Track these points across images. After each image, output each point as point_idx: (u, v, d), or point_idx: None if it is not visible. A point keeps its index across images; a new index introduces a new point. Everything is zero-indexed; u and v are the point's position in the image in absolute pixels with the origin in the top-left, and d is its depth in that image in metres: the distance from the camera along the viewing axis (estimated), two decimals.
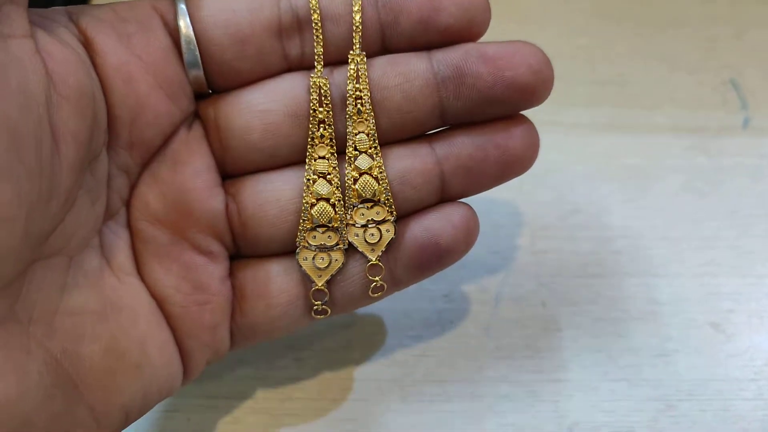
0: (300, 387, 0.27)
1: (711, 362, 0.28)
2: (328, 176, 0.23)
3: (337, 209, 0.23)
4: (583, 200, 0.32)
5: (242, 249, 0.24)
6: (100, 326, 0.21)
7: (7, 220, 0.17)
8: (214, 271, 0.23)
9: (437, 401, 0.27)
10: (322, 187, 0.23)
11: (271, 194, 0.23)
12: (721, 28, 0.38)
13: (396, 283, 0.24)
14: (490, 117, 0.23)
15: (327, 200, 0.23)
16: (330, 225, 0.24)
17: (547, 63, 0.23)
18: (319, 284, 0.24)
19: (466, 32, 0.23)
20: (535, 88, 0.23)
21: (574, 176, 0.33)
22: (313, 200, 0.23)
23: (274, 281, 0.24)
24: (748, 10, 0.39)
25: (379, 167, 0.23)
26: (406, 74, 0.23)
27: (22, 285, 0.19)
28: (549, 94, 0.23)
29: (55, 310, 0.20)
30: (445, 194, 0.24)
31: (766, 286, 0.30)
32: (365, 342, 0.29)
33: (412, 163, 0.24)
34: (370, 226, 0.24)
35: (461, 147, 0.23)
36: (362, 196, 0.23)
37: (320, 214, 0.23)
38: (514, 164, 0.23)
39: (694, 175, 0.33)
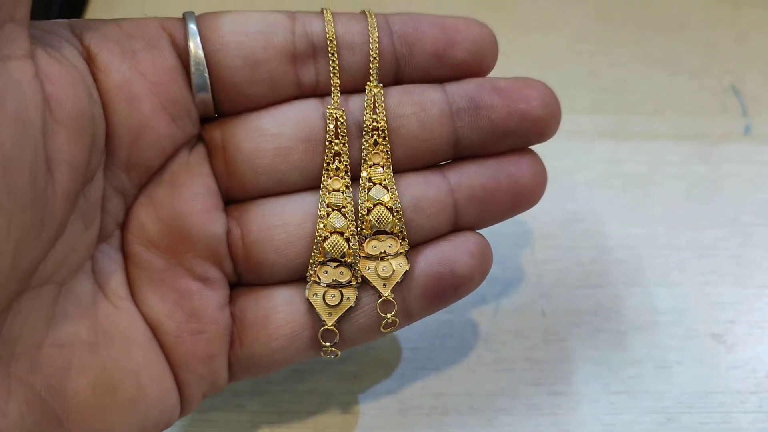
0: (297, 400, 0.27)
1: (712, 374, 0.28)
2: (343, 209, 0.23)
3: (351, 244, 0.23)
4: (583, 208, 0.32)
5: (244, 276, 0.23)
6: (89, 357, 0.20)
7: None
8: (210, 299, 0.22)
9: (435, 414, 0.27)
10: (336, 221, 0.23)
11: (279, 219, 0.23)
12: (722, 33, 0.38)
13: (408, 315, 0.23)
14: (502, 150, 0.23)
15: (341, 234, 0.23)
16: (343, 260, 0.23)
17: (555, 98, 0.23)
18: (330, 324, 0.23)
19: (477, 67, 0.23)
20: (546, 122, 0.23)
21: (574, 184, 0.33)
22: (327, 233, 0.23)
23: (278, 311, 0.23)
24: (749, 15, 0.38)
25: (394, 199, 0.23)
26: (422, 103, 0.23)
27: (5, 319, 0.18)
28: (557, 129, 0.23)
29: (40, 343, 0.19)
30: (458, 224, 0.23)
31: (767, 296, 0.30)
32: (363, 354, 0.28)
33: (425, 190, 0.23)
34: (382, 259, 0.23)
35: (474, 176, 0.23)
36: (376, 228, 0.23)
37: (333, 248, 0.23)
38: (525, 195, 0.23)
39: (694, 182, 0.33)
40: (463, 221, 0.23)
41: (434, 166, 0.24)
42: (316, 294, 0.23)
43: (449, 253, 0.23)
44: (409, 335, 0.29)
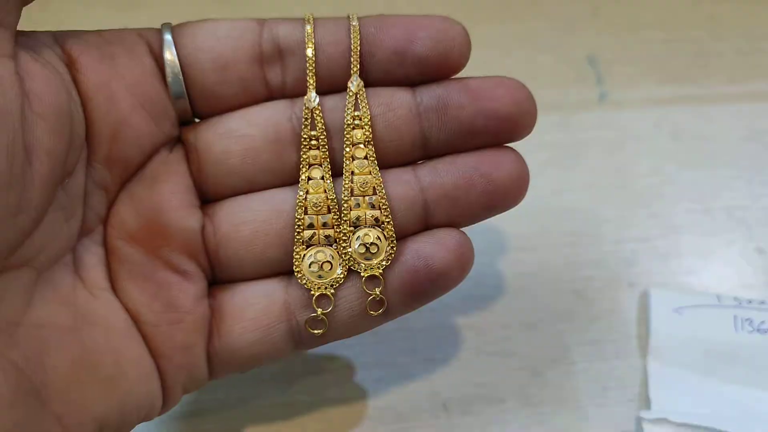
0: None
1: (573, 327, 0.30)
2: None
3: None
4: None
5: (219, 273, 0.24)
6: (69, 338, 0.21)
7: None
8: (187, 290, 0.23)
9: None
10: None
11: (246, 215, 0.23)
12: (577, 8, 0.40)
13: (388, 311, 0.24)
14: (473, 148, 0.23)
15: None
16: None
17: (530, 97, 0.23)
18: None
19: (443, 65, 0.23)
20: (518, 120, 0.23)
21: None
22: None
23: (253, 303, 0.23)
24: None
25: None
26: (389, 104, 0.23)
27: None
28: (532, 127, 0.23)
29: (17, 322, 0.20)
30: (430, 224, 0.24)
31: (621, 252, 0.32)
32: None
33: (394, 189, 0.23)
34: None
35: (445, 175, 0.23)
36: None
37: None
38: (501, 195, 0.23)
39: (556, 150, 0.35)
40: (434, 220, 0.24)
41: (407, 164, 0.24)
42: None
43: (425, 248, 0.23)
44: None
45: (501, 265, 0.31)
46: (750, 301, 0.29)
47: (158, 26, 0.23)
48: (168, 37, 0.23)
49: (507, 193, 0.23)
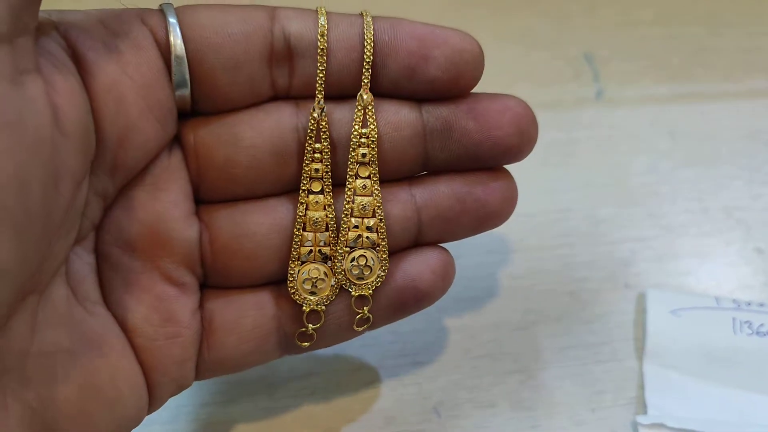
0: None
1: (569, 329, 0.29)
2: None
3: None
4: None
5: (210, 279, 0.23)
6: (71, 364, 0.20)
7: (4, 276, 0.16)
8: (186, 304, 0.22)
9: None
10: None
11: (248, 227, 0.23)
12: (572, 5, 0.39)
13: (372, 325, 0.24)
14: (471, 168, 0.23)
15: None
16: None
17: (534, 122, 0.23)
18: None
19: (454, 86, 0.22)
20: (520, 148, 0.23)
21: None
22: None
23: (247, 316, 0.23)
24: None
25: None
26: (396, 123, 0.23)
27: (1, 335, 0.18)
28: (531, 151, 0.23)
29: (26, 353, 0.19)
30: (420, 240, 0.24)
31: (619, 252, 0.31)
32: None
33: (391, 209, 0.23)
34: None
35: (441, 197, 0.23)
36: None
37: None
38: (491, 218, 0.24)
39: (551, 148, 0.34)
40: (424, 238, 0.24)
41: (403, 179, 0.24)
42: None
43: (413, 269, 0.24)
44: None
45: (493, 266, 0.31)
46: (749, 304, 0.29)
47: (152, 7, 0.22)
48: (172, 20, 0.21)
49: (496, 216, 0.24)
